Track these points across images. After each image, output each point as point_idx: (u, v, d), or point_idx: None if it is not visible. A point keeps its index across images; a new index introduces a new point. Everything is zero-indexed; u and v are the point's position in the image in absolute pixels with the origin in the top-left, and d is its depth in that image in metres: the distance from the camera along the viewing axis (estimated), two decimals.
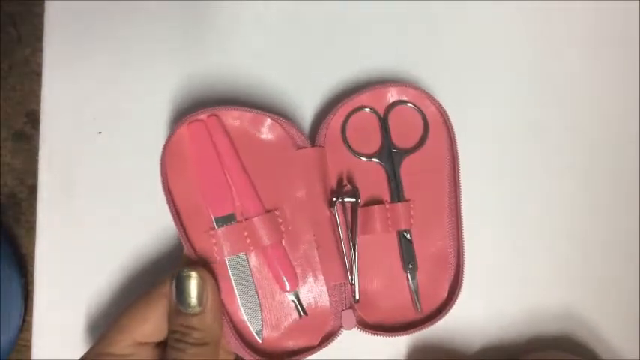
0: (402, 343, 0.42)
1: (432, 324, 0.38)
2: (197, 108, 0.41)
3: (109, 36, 0.42)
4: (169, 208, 0.36)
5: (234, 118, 0.38)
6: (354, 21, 0.43)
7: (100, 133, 0.42)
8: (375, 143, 0.40)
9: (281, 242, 0.38)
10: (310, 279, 0.38)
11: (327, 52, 0.43)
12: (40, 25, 0.42)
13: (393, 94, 0.40)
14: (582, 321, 0.42)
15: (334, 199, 0.38)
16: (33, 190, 0.86)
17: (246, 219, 0.37)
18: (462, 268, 0.38)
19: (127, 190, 0.42)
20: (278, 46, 0.43)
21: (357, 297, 0.38)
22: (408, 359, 0.41)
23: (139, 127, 0.42)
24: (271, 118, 0.38)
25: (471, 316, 0.42)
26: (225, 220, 0.37)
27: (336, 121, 0.39)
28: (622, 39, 0.44)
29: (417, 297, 0.39)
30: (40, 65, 0.42)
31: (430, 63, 0.43)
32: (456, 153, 0.39)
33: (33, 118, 0.89)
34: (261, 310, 0.37)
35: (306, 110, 0.42)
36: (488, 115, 0.43)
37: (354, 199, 0.38)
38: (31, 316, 0.42)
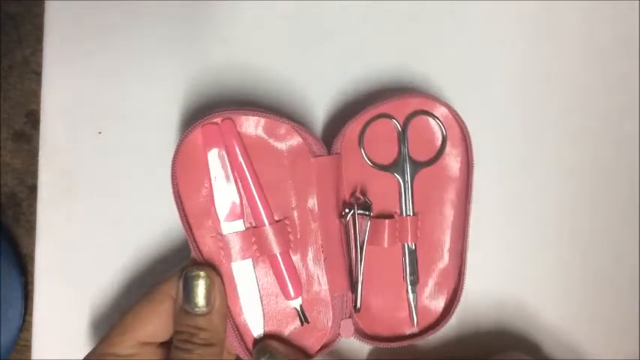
0: None
1: (425, 337, 0.38)
2: (198, 107, 0.42)
3: (109, 36, 0.42)
4: (178, 210, 0.36)
5: (249, 123, 0.37)
6: (359, 20, 0.43)
7: (100, 133, 0.42)
8: (391, 154, 0.39)
9: (288, 251, 0.38)
10: (315, 288, 0.38)
11: (331, 52, 0.43)
12: (40, 25, 0.42)
13: (414, 105, 0.38)
14: (578, 325, 0.43)
15: (346, 210, 0.38)
16: (33, 190, 0.86)
17: (254, 226, 0.37)
18: (462, 286, 0.38)
19: (127, 190, 0.42)
20: (282, 45, 0.43)
21: (359, 306, 0.38)
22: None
23: (139, 127, 0.42)
24: (288, 124, 0.37)
25: (470, 321, 0.42)
26: (234, 225, 0.37)
27: (354, 128, 0.38)
28: (622, 39, 0.44)
29: (416, 311, 0.39)
30: (40, 65, 0.42)
31: (434, 64, 0.43)
32: (471, 170, 0.38)
33: (33, 118, 0.89)
34: (263, 315, 0.37)
35: (308, 110, 0.42)
36: (489, 116, 0.43)
37: (367, 212, 0.38)
38: (31, 316, 0.42)
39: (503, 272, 0.42)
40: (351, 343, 0.42)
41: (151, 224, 0.41)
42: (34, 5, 0.89)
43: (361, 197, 0.38)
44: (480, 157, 0.42)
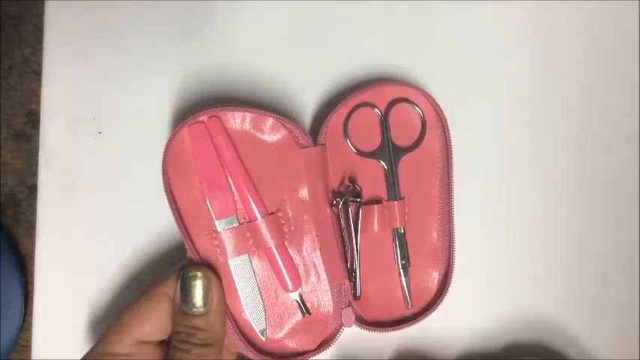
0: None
1: (422, 320, 0.39)
2: (197, 107, 0.42)
3: (109, 36, 0.42)
4: (171, 210, 0.36)
5: (235, 119, 0.38)
6: (354, 18, 0.43)
7: (100, 133, 0.42)
8: (375, 141, 0.40)
9: (284, 243, 0.38)
10: (313, 279, 0.38)
11: (326, 50, 0.43)
12: (40, 25, 0.42)
13: (393, 93, 0.40)
14: (577, 322, 0.43)
15: (338, 199, 0.38)
16: (33, 190, 0.86)
17: (248, 221, 0.37)
18: (452, 265, 0.39)
19: (127, 189, 0.42)
20: (278, 44, 0.43)
21: (359, 294, 0.38)
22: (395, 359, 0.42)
23: (139, 126, 0.42)
24: (273, 118, 0.37)
25: (462, 314, 0.42)
26: (228, 222, 0.37)
27: (337, 118, 0.39)
28: (622, 39, 0.44)
29: (409, 293, 0.40)
30: (40, 65, 0.42)
31: (429, 61, 0.43)
32: (450, 152, 0.39)
33: (33, 118, 0.89)
34: (264, 309, 0.37)
35: (305, 108, 0.42)
36: (487, 114, 0.43)
37: (357, 199, 0.38)
38: (31, 316, 0.42)
39: (503, 272, 0.43)
40: (351, 341, 0.42)
41: (151, 224, 0.41)
42: (34, 5, 0.89)
43: (351, 185, 0.39)
44: (480, 157, 0.42)
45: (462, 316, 0.42)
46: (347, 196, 0.38)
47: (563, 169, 0.43)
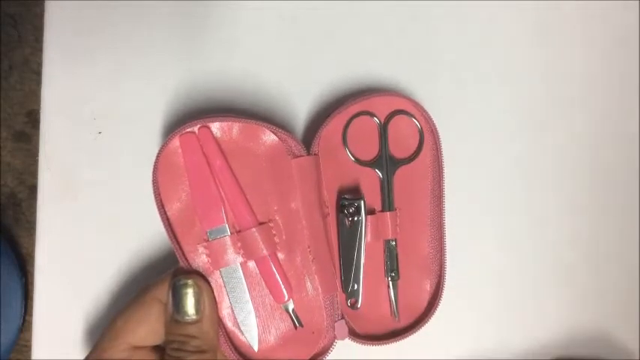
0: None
1: (415, 332, 0.39)
2: (197, 107, 0.42)
3: (109, 36, 0.42)
4: (162, 219, 0.36)
5: (226, 129, 0.37)
6: (351, 25, 0.43)
7: (100, 133, 0.42)
8: (372, 150, 0.40)
9: (275, 253, 0.38)
10: (305, 290, 0.38)
11: (322, 58, 0.43)
12: (40, 25, 0.42)
13: (393, 104, 0.39)
14: (579, 326, 0.42)
15: (347, 210, 0.38)
16: (33, 190, 0.86)
17: (238, 231, 0.37)
18: (444, 278, 0.39)
19: (127, 190, 0.42)
20: (275, 47, 0.43)
21: (359, 306, 0.38)
22: None
23: (140, 127, 0.42)
24: (265, 127, 0.37)
25: (458, 322, 0.42)
26: (218, 231, 0.37)
27: (333, 127, 0.39)
28: (622, 39, 0.44)
29: (396, 306, 0.39)
30: (40, 65, 0.42)
31: (426, 67, 0.43)
32: (441, 165, 0.39)
33: (33, 118, 0.89)
34: (255, 320, 0.37)
35: (299, 116, 0.42)
36: (488, 117, 0.43)
37: (352, 210, 0.38)
38: (31, 316, 0.42)
39: (503, 272, 0.42)
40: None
41: (151, 224, 0.41)
42: (34, 5, 0.89)
43: (346, 195, 0.39)
44: (479, 158, 0.42)
45: (454, 327, 0.42)
46: (346, 208, 0.38)
47: (558, 177, 0.43)
